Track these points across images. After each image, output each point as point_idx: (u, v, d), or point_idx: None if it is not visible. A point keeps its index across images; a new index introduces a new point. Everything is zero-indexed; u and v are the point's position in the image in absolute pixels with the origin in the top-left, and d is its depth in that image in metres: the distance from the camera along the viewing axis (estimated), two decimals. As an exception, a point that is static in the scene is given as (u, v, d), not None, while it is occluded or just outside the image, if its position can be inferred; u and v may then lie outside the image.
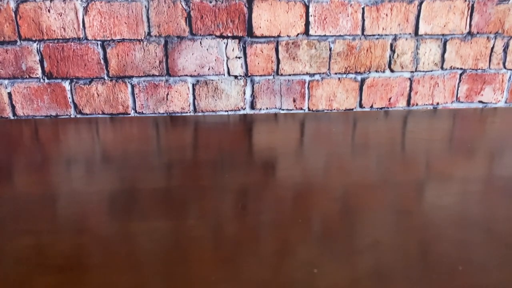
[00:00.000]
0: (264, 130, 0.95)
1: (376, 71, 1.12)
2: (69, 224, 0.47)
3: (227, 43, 1.06)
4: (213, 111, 1.12)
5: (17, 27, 0.99)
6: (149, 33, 1.03)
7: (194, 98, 1.10)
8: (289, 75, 1.10)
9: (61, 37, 1.01)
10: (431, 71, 1.14)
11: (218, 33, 1.04)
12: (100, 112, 1.09)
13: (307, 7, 1.04)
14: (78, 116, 1.08)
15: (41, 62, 1.03)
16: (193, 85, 1.09)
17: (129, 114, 1.09)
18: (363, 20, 1.07)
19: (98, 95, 1.07)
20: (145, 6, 1.00)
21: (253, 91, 1.11)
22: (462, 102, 1.19)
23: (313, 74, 1.11)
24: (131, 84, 1.07)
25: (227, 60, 1.07)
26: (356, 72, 1.12)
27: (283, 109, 1.13)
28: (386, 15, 1.07)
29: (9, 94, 1.05)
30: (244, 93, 1.11)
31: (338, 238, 0.43)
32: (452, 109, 1.17)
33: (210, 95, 1.10)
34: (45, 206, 0.52)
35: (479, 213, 0.50)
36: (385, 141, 0.84)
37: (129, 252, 0.41)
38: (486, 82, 1.17)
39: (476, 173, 0.64)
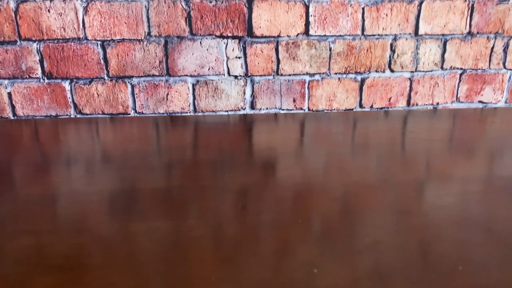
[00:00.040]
0: (264, 130, 0.95)
1: (376, 71, 1.12)
2: (69, 224, 0.47)
3: (227, 43, 1.06)
4: (213, 111, 1.12)
5: (17, 27, 0.99)
6: (149, 33, 1.03)
7: (194, 98, 1.10)
8: (289, 75, 1.10)
9: (61, 37, 1.01)
10: (431, 71, 1.14)
11: (218, 33, 1.04)
12: (100, 112, 1.09)
13: (307, 7, 1.04)
14: (78, 116, 1.08)
15: (41, 62, 1.03)
16: (193, 85, 1.09)
17: (129, 114, 1.09)
18: (363, 20, 1.07)
19: (98, 95, 1.07)
20: (145, 6, 1.00)
21: (253, 91, 1.11)
22: (462, 102, 1.19)
23: (313, 74, 1.11)
24: (131, 84, 1.07)
25: (227, 60, 1.07)
26: (356, 72, 1.12)
27: (283, 109, 1.13)
28: (386, 15, 1.07)
29: (9, 94, 1.05)
30: (244, 93, 1.11)
31: (338, 238, 0.43)
32: (452, 109, 1.17)
33: (210, 95, 1.10)
34: (45, 206, 0.52)
35: (479, 213, 0.50)
36: (385, 141, 0.84)
37: (129, 252, 0.41)
38: (486, 82, 1.17)
39: (476, 173, 0.64)
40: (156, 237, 0.44)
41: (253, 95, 1.11)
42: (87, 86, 1.06)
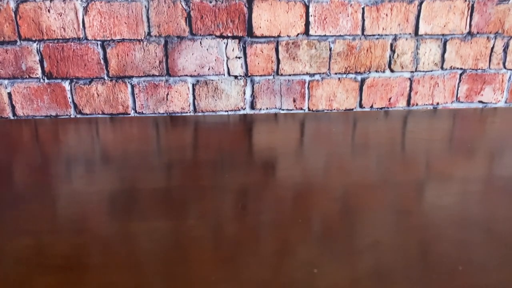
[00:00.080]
0: (264, 130, 0.95)
1: (376, 71, 1.12)
2: (69, 224, 0.47)
3: (227, 43, 1.06)
4: (213, 111, 1.12)
5: (17, 27, 0.99)
6: (149, 33, 1.03)
7: (194, 98, 1.10)
8: (289, 75, 1.10)
9: (61, 37, 1.01)
10: (431, 71, 1.14)
11: (218, 33, 1.04)
12: (100, 112, 1.09)
13: (307, 7, 1.04)
14: (78, 116, 1.08)
15: (41, 62, 1.03)
16: (193, 85, 1.09)
17: (129, 114, 1.09)
18: (363, 20, 1.07)
19: (98, 95, 1.07)
20: (145, 6, 1.00)
21: (253, 91, 1.11)
22: (462, 102, 1.19)
23: (313, 74, 1.11)
24: (131, 84, 1.07)
25: (227, 60, 1.07)
26: (356, 72, 1.12)
27: (283, 109, 1.13)
28: (386, 15, 1.07)
29: (9, 94, 1.05)
30: (244, 93, 1.11)
31: (338, 238, 0.43)
32: (452, 109, 1.17)
33: (210, 95, 1.10)
34: (45, 206, 0.52)
35: (479, 213, 0.50)
36: (385, 141, 0.84)
37: (129, 252, 0.41)
38: (486, 82, 1.17)
39: (476, 173, 0.64)
40: (156, 237, 0.44)
41: (253, 95, 1.11)
42: (87, 86, 1.06)
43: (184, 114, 1.11)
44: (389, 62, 1.12)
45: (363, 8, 1.06)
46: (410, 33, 1.10)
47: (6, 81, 1.03)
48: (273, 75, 1.10)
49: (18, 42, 1.00)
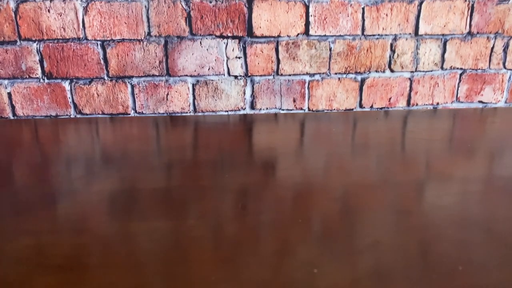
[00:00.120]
0: (264, 130, 0.95)
1: (376, 71, 1.12)
2: (69, 224, 0.47)
3: (227, 43, 1.06)
4: (213, 111, 1.12)
5: (17, 27, 0.99)
6: (149, 33, 1.03)
7: (194, 98, 1.10)
8: (289, 75, 1.10)
9: (61, 37, 1.01)
10: (431, 71, 1.14)
11: (218, 33, 1.05)
12: (100, 112, 1.09)
13: (307, 7, 1.04)
14: (78, 116, 1.08)
15: (41, 62, 1.03)
16: (193, 85, 1.09)
17: (129, 114, 1.09)
18: (363, 20, 1.07)
19: (98, 95, 1.07)
20: (145, 6, 1.00)
21: (253, 91, 1.11)
22: (462, 102, 1.19)
23: (313, 74, 1.11)
24: (131, 84, 1.07)
25: (227, 60, 1.07)
26: (356, 72, 1.12)
27: (283, 109, 1.13)
28: (386, 15, 1.07)
29: (9, 94, 1.05)
30: (244, 93, 1.11)
31: (338, 238, 0.43)
32: (452, 109, 1.17)
33: (210, 95, 1.10)
34: (45, 206, 0.52)
35: (479, 213, 0.50)
36: (385, 141, 0.84)
37: (129, 252, 0.41)
38: (486, 82, 1.17)
39: (476, 173, 0.64)
40: (156, 237, 0.44)
41: (253, 95, 1.11)
42: (87, 86, 1.06)
43: (184, 114, 1.11)
44: (389, 62, 1.12)
45: (363, 8, 1.06)
46: (410, 33, 1.10)
47: (6, 81, 1.03)
48: (273, 75, 1.10)
49: (18, 42, 1.00)
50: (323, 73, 1.11)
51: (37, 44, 1.01)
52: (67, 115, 1.08)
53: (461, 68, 1.15)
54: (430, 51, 1.12)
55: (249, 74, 1.09)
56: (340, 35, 1.08)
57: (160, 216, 0.49)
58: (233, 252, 0.41)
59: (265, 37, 1.06)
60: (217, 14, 1.03)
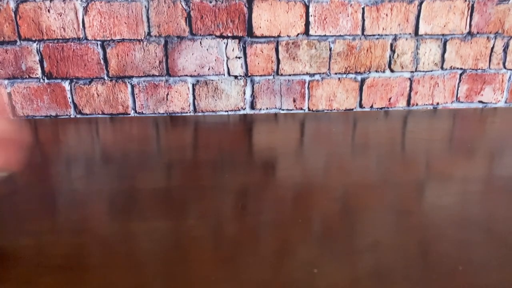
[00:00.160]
0: (264, 130, 0.95)
1: (376, 71, 1.12)
2: (69, 224, 0.47)
3: (227, 43, 1.06)
4: (213, 111, 1.12)
5: (17, 27, 0.99)
6: (149, 33, 1.03)
7: (194, 98, 1.10)
8: (289, 75, 1.10)
9: (61, 37, 1.01)
10: (431, 71, 1.14)
11: (218, 33, 1.05)
12: (100, 112, 1.09)
13: (307, 7, 1.04)
14: (78, 116, 1.08)
15: (41, 62, 1.03)
16: (193, 85, 1.09)
17: (129, 114, 1.09)
18: (363, 20, 1.07)
19: (98, 95, 1.07)
20: (145, 6, 1.00)
21: (253, 91, 1.11)
22: (462, 102, 1.19)
23: (313, 74, 1.11)
24: (131, 84, 1.07)
25: (227, 60, 1.07)
26: (356, 72, 1.12)
27: (283, 109, 1.13)
28: (386, 15, 1.07)
29: (9, 94, 1.05)
30: (244, 93, 1.11)
31: (338, 238, 0.43)
32: (452, 109, 1.17)
33: (210, 95, 1.10)
34: (45, 206, 0.52)
35: (479, 213, 0.50)
36: (385, 141, 0.84)
37: (129, 252, 0.41)
38: (486, 82, 1.17)
39: (476, 173, 0.64)
40: (156, 237, 0.44)
41: (253, 95, 1.11)
42: (87, 86, 1.06)
43: (184, 114, 1.11)
44: (389, 62, 1.12)
45: (363, 8, 1.06)
46: (410, 33, 1.10)
47: (6, 81, 1.03)
48: (273, 75, 1.10)
49: (18, 42, 1.00)
50: (323, 73, 1.11)
51: (37, 44, 1.01)
52: (67, 115, 1.08)
53: (461, 68, 1.15)
54: (430, 51, 1.12)
55: (249, 74, 1.09)
56: (340, 35, 1.08)
57: (160, 216, 0.49)
58: (233, 252, 0.41)
59: (265, 37, 1.06)
60: (217, 14, 1.03)
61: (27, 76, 1.04)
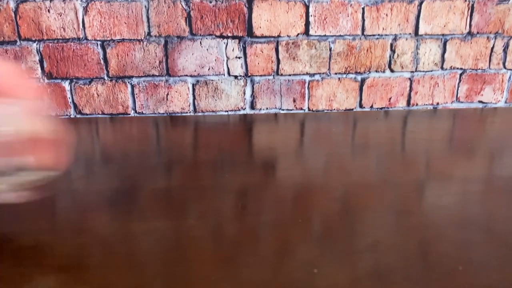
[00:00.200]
0: (264, 130, 0.95)
1: (376, 71, 1.12)
2: (69, 224, 0.47)
3: (227, 43, 1.06)
4: (213, 111, 1.12)
5: (16, 27, 0.99)
6: (149, 33, 1.03)
7: (194, 98, 1.10)
8: (289, 75, 1.10)
9: (61, 37, 1.01)
10: (431, 71, 1.14)
11: (218, 33, 1.05)
12: (100, 112, 1.09)
13: (307, 7, 1.04)
14: (78, 116, 1.08)
15: (41, 62, 1.03)
16: (193, 85, 1.09)
17: (129, 114, 1.09)
18: (363, 20, 1.07)
19: (98, 95, 1.07)
20: (145, 6, 1.00)
21: (253, 91, 1.11)
22: (462, 102, 1.19)
23: (313, 74, 1.11)
24: (131, 84, 1.07)
25: (227, 60, 1.07)
26: (356, 72, 1.12)
27: (283, 109, 1.13)
28: (386, 15, 1.07)
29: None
30: (244, 93, 1.11)
31: (338, 238, 0.43)
32: (452, 109, 1.17)
33: (210, 95, 1.10)
34: (45, 206, 0.52)
35: (479, 213, 0.50)
36: (385, 141, 0.84)
37: (129, 252, 0.41)
38: (486, 82, 1.17)
39: (476, 173, 0.64)
40: (156, 237, 0.44)
41: (253, 95, 1.11)
42: (87, 86, 1.06)
43: (184, 114, 1.11)
44: (389, 62, 1.12)
45: (363, 8, 1.06)
46: (410, 33, 1.10)
47: (6, 81, 1.03)
48: (273, 75, 1.10)
49: (18, 42, 1.00)
50: (323, 73, 1.11)
51: (37, 44, 1.01)
52: (67, 115, 1.08)
53: (461, 68, 1.15)
54: (430, 51, 1.12)
55: (249, 74, 1.09)
56: (340, 35, 1.08)
57: (160, 216, 0.49)
58: (233, 252, 0.41)
59: (265, 37, 1.06)
60: (217, 14, 1.03)
61: (27, 76, 1.04)
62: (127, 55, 1.04)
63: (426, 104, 1.17)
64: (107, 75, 1.05)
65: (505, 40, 1.13)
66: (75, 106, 1.07)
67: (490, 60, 1.15)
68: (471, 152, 0.75)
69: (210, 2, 1.02)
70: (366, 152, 0.76)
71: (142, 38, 1.03)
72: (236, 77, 1.09)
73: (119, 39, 1.03)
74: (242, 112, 1.12)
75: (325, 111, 1.14)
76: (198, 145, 0.85)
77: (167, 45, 1.04)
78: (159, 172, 0.65)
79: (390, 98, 1.15)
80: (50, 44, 1.01)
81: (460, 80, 1.16)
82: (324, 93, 1.13)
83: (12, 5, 0.97)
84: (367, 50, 1.10)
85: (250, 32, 1.05)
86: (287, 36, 1.06)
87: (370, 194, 0.55)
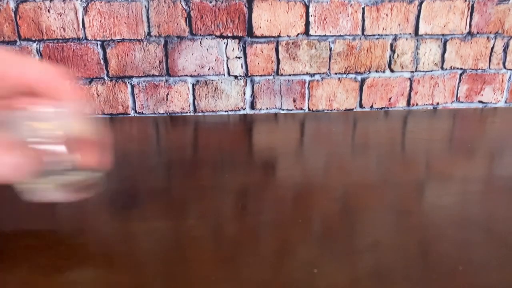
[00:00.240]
0: (264, 130, 0.95)
1: (376, 71, 1.12)
2: (68, 224, 0.47)
3: (227, 43, 1.06)
4: (213, 111, 1.12)
5: (16, 27, 0.99)
6: (149, 33, 1.03)
7: (194, 98, 1.10)
8: (289, 75, 1.10)
9: (61, 37, 1.01)
10: (431, 71, 1.14)
11: (218, 33, 1.05)
12: (100, 112, 1.09)
13: (307, 7, 1.04)
14: (78, 116, 1.08)
15: (41, 62, 1.03)
16: (193, 85, 1.09)
17: (129, 114, 1.09)
18: (363, 20, 1.07)
19: (98, 95, 1.07)
20: (145, 6, 1.00)
21: (253, 91, 1.11)
22: (462, 102, 1.19)
23: (313, 74, 1.11)
24: (131, 84, 1.07)
25: (227, 60, 1.07)
26: (356, 72, 1.12)
27: (283, 109, 1.13)
28: (386, 15, 1.07)
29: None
30: (244, 93, 1.11)
31: (338, 238, 0.43)
32: (452, 109, 1.17)
33: (210, 95, 1.10)
34: (45, 206, 0.52)
35: (479, 213, 0.50)
36: (385, 141, 0.84)
37: (129, 252, 0.41)
38: (486, 82, 1.17)
39: (476, 173, 0.64)
40: (156, 237, 0.44)
41: (253, 95, 1.11)
42: (87, 86, 1.06)
43: (184, 114, 1.11)
44: (389, 62, 1.12)
45: (363, 8, 1.06)
46: (410, 33, 1.10)
47: (6, 81, 1.03)
48: (273, 75, 1.10)
49: (18, 42, 1.00)
50: (323, 73, 1.11)
51: (37, 44, 1.01)
52: (67, 115, 1.08)
53: (461, 68, 1.15)
54: (430, 51, 1.12)
55: (249, 74, 1.09)
56: (340, 35, 1.08)
57: (160, 216, 0.49)
58: (233, 252, 0.41)
59: (265, 37, 1.06)
60: (217, 14, 1.03)
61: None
62: (127, 55, 1.04)
63: (426, 104, 1.17)
64: (107, 75, 1.05)
65: (505, 40, 1.13)
66: (75, 106, 1.07)
67: (490, 60, 1.15)
68: (471, 152, 0.75)
69: (210, 2, 1.02)
70: (366, 152, 0.76)
71: (142, 38, 1.03)
72: (236, 77, 1.09)
73: (119, 39, 1.03)
74: (242, 112, 1.12)
75: (325, 111, 1.14)
76: (198, 145, 0.85)
77: (167, 45, 1.04)
78: (159, 172, 0.65)
79: (390, 98, 1.15)
80: (50, 44, 1.01)
81: (460, 80, 1.16)
82: (324, 93, 1.13)
83: (12, 5, 0.97)
84: (367, 50, 1.10)
85: (250, 32, 1.05)
86: (287, 36, 1.06)
87: (370, 194, 0.55)
